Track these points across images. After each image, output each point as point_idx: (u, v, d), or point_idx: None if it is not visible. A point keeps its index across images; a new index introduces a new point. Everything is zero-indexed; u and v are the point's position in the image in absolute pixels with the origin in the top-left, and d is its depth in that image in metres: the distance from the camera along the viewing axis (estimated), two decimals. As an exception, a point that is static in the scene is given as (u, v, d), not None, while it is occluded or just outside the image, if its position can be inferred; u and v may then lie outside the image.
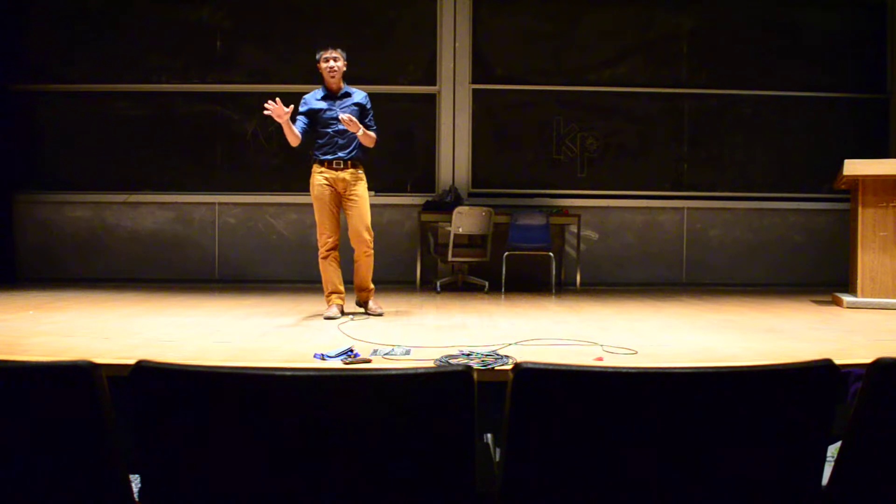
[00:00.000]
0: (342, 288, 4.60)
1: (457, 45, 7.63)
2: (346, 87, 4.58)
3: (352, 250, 4.58)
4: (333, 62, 4.48)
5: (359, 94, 4.61)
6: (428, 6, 7.65)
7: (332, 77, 4.49)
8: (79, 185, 7.53)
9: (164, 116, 7.57)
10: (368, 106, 4.60)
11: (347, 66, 4.61)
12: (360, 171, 4.56)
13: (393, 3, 7.68)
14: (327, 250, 4.53)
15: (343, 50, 4.58)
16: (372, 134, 4.50)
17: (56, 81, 7.53)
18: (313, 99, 4.56)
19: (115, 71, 7.53)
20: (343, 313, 4.49)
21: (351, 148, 4.50)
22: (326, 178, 4.48)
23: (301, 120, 4.50)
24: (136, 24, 7.53)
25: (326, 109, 4.49)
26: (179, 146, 7.59)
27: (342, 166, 4.49)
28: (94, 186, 7.53)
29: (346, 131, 4.42)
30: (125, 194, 7.55)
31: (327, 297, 4.58)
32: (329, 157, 4.49)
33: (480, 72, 7.69)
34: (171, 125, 7.57)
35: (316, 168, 4.53)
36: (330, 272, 4.55)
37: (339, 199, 4.53)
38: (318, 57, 4.55)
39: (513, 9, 7.75)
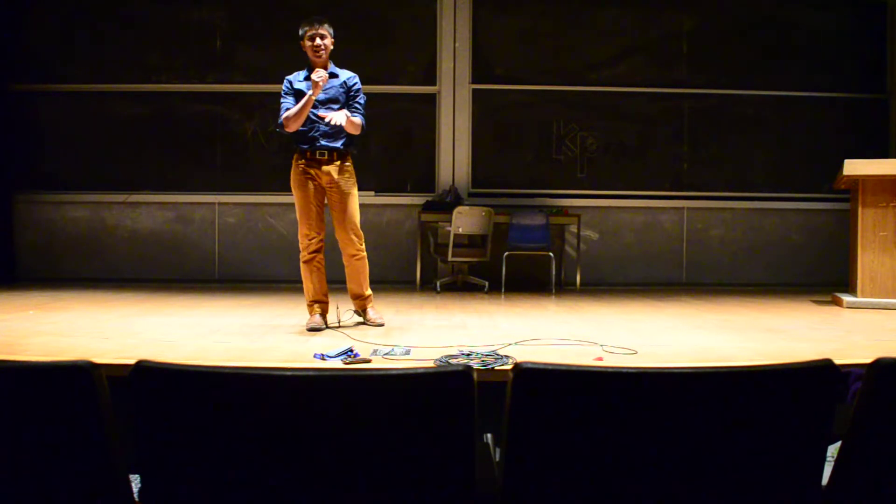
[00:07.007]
0: (326, 297, 4.02)
1: (457, 45, 7.63)
2: (332, 68, 4.00)
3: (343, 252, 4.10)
4: (320, 40, 3.89)
5: (346, 74, 4.02)
6: (428, 6, 7.65)
7: (319, 57, 3.90)
8: (79, 185, 7.53)
9: (164, 116, 7.57)
10: (356, 87, 3.99)
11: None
12: (347, 165, 3.97)
13: (393, 3, 7.68)
14: (310, 253, 3.95)
15: (329, 25, 4.01)
16: (357, 120, 3.85)
17: (56, 81, 7.52)
18: (296, 80, 4.01)
19: (115, 71, 7.53)
20: (327, 324, 3.97)
21: (337, 137, 3.91)
22: (308, 171, 3.92)
23: (289, 101, 3.95)
24: (135, 24, 7.53)
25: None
26: (179, 146, 7.59)
27: (326, 157, 3.90)
28: (93, 186, 7.53)
29: (331, 120, 3.80)
30: (125, 194, 7.55)
31: (309, 306, 4.01)
32: (312, 146, 3.90)
33: (480, 72, 7.69)
34: (171, 125, 7.57)
35: (297, 159, 3.96)
36: (312, 278, 3.97)
37: (324, 195, 3.98)
38: (301, 33, 3.96)
39: (513, 9, 7.74)
